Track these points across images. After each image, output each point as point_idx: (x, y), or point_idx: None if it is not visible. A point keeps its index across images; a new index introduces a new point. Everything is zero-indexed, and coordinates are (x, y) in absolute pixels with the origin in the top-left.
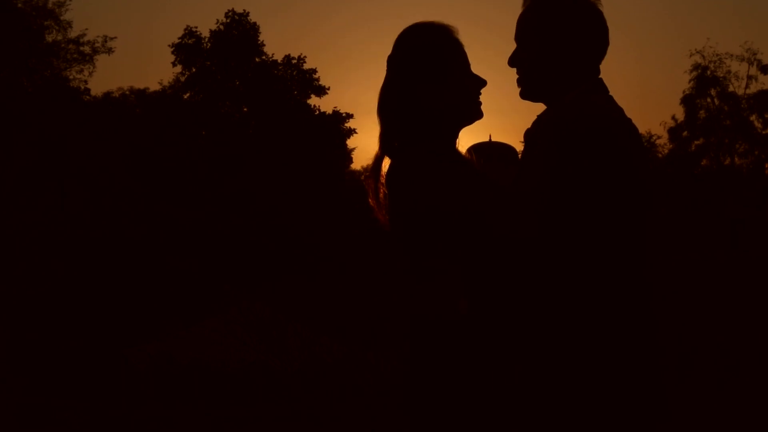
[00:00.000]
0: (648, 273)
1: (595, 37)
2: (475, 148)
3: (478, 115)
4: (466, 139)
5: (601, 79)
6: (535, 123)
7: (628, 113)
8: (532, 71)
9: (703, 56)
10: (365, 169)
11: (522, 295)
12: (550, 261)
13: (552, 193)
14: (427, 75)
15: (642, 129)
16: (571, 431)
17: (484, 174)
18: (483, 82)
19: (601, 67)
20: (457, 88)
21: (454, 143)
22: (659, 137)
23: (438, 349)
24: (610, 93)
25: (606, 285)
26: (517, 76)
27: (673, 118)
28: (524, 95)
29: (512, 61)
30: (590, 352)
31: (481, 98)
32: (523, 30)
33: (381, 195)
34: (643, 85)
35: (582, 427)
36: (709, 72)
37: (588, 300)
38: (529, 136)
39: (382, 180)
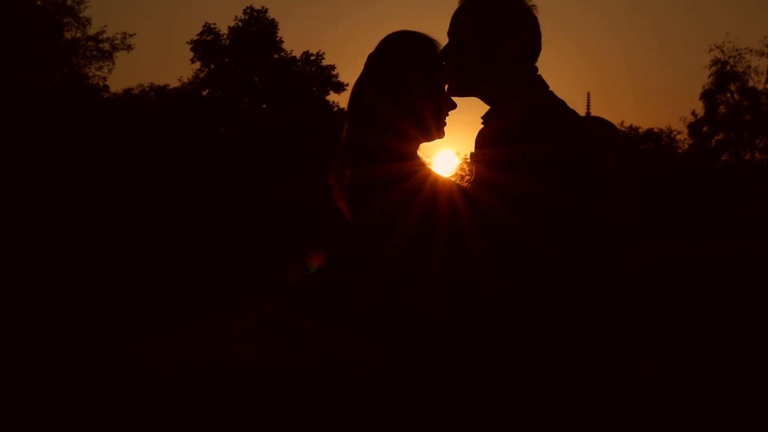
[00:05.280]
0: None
1: (528, 37)
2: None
3: (440, 135)
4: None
5: (540, 76)
6: (486, 122)
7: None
8: (466, 67)
9: (723, 51)
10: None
11: (490, 300)
12: (517, 261)
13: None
14: (397, 82)
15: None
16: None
17: (444, 184)
18: (453, 105)
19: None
20: (426, 103)
21: (416, 154)
22: (679, 132)
23: (412, 354)
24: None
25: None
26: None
27: (693, 113)
28: (455, 91)
29: (445, 56)
30: (558, 358)
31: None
32: (459, 26)
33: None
34: (663, 81)
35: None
36: (728, 67)
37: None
38: (482, 137)
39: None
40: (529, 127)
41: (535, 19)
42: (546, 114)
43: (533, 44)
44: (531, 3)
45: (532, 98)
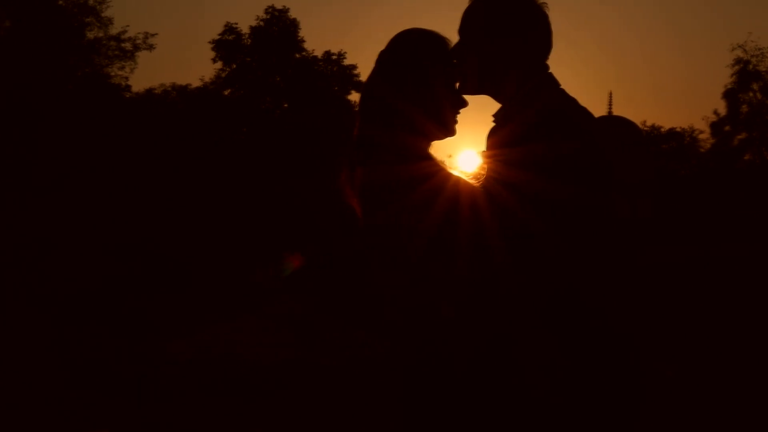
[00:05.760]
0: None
1: (539, 35)
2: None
3: (450, 133)
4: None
5: (551, 73)
6: (497, 120)
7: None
8: (477, 65)
9: (745, 50)
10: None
11: (505, 298)
12: (535, 261)
13: (535, 193)
14: (410, 80)
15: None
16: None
17: (459, 182)
18: (464, 103)
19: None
20: (436, 101)
21: (428, 152)
22: (701, 132)
23: (425, 352)
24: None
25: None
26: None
27: (715, 112)
28: (465, 89)
29: (456, 54)
30: (571, 356)
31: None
32: (469, 24)
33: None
34: (686, 80)
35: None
36: (751, 66)
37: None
38: (498, 136)
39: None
40: (544, 127)
41: (545, 17)
42: (560, 113)
43: (544, 42)
44: (542, 1)
45: (545, 97)
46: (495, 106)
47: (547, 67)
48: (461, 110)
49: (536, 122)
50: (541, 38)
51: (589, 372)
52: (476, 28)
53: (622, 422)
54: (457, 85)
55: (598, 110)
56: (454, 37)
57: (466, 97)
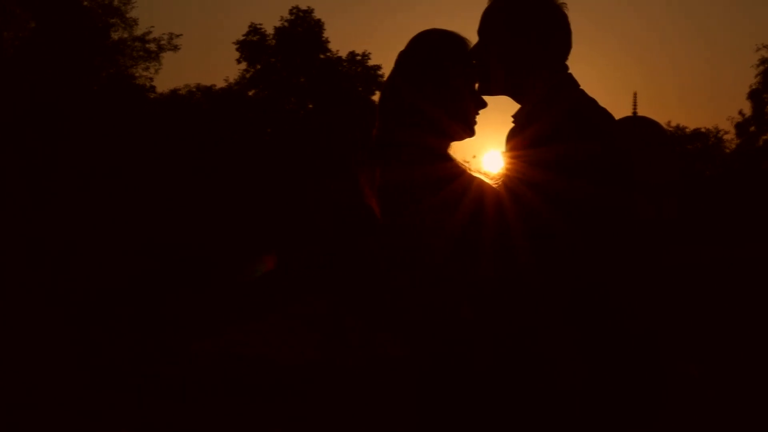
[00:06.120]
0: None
1: (558, 35)
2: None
3: (469, 134)
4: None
5: (570, 74)
6: (516, 121)
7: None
8: (496, 66)
9: None
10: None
11: (525, 300)
12: (558, 260)
13: (557, 194)
14: (431, 80)
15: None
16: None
17: (480, 183)
18: (484, 104)
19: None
20: (456, 101)
21: (445, 155)
22: (726, 132)
23: (445, 354)
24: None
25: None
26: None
27: (741, 113)
28: (485, 90)
29: (475, 55)
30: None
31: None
32: (488, 24)
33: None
34: (711, 81)
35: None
36: None
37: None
38: (520, 137)
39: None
40: (565, 128)
41: (565, 17)
42: (580, 114)
43: (563, 42)
44: (561, 1)
45: (565, 98)
46: (516, 106)
47: (567, 67)
48: (481, 111)
49: (557, 123)
50: (561, 39)
51: (610, 373)
52: (496, 28)
53: (642, 422)
54: (477, 85)
55: (623, 111)
56: (475, 38)
57: (486, 97)
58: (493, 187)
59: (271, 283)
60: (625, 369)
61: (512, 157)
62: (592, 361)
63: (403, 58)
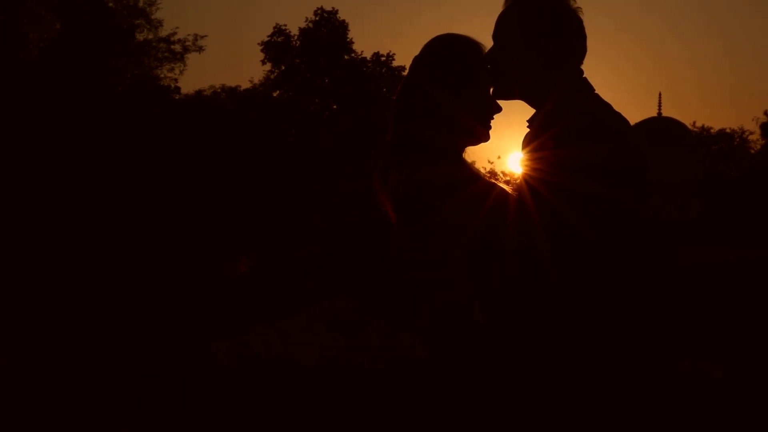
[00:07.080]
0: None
1: (573, 39)
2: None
3: (485, 138)
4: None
5: (585, 78)
6: (531, 125)
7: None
8: (511, 70)
9: None
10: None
11: (535, 303)
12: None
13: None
14: (446, 84)
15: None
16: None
17: (493, 187)
18: (498, 109)
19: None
20: (471, 105)
21: (461, 158)
22: (751, 133)
23: (455, 356)
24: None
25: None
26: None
27: (766, 113)
28: (500, 94)
29: (490, 59)
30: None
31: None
32: (503, 29)
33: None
34: (735, 81)
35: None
36: None
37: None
38: (530, 139)
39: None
40: (579, 131)
41: (580, 21)
42: (594, 118)
43: (578, 46)
44: (576, 5)
45: (580, 102)
46: (527, 111)
47: (582, 71)
48: (506, 114)
49: (570, 126)
50: (576, 43)
51: (620, 373)
52: (511, 33)
53: (652, 422)
54: (491, 89)
55: (647, 111)
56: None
57: (501, 102)
58: (506, 190)
59: (295, 284)
60: (634, 369)
61: (528, 160)
62: (603, 361)
63: (417, 63)
